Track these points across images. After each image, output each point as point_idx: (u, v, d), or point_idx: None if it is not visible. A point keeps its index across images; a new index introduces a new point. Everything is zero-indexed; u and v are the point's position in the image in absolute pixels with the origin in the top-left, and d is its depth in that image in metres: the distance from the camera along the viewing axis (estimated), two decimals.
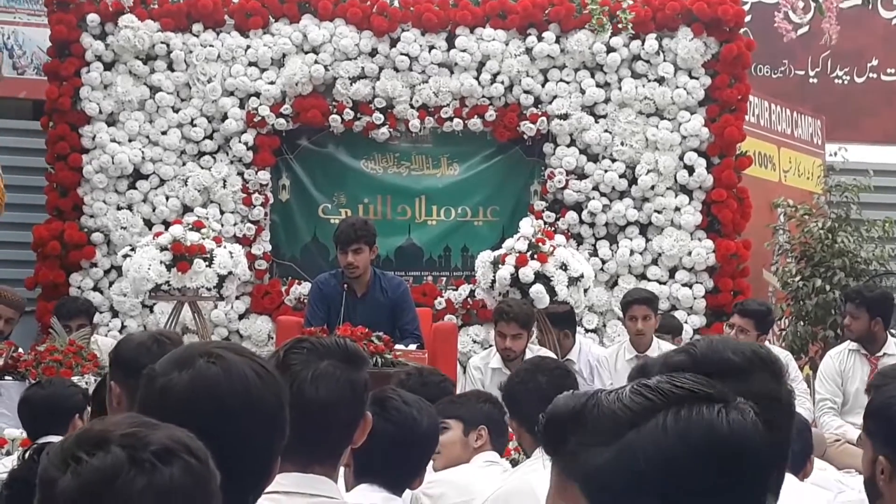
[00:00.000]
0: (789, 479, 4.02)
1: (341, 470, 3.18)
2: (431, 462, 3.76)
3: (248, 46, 9.42)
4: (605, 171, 9.49)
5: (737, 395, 1.65)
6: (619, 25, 9.47)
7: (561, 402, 1.53)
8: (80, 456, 1.49)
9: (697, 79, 9.54)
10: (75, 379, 6.24)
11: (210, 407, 2.09)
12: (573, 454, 1.48)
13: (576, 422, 1.49)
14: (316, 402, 2.58)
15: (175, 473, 1.49)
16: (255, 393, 2.14)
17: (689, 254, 9.43)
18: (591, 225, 9.54)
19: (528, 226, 8.27)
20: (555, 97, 9.49)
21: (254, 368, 2.17)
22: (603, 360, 8.03)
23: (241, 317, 9.40)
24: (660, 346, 7.93)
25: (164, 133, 9.37)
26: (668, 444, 1.42)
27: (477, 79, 9.45)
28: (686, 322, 9.31)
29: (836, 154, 11.63)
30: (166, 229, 8.23)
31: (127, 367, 3.55)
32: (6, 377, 6.87)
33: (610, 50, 9.50)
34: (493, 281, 8.01)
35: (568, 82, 9.54)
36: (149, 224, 9.26)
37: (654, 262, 9.52)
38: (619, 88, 9.52)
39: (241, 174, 9.40)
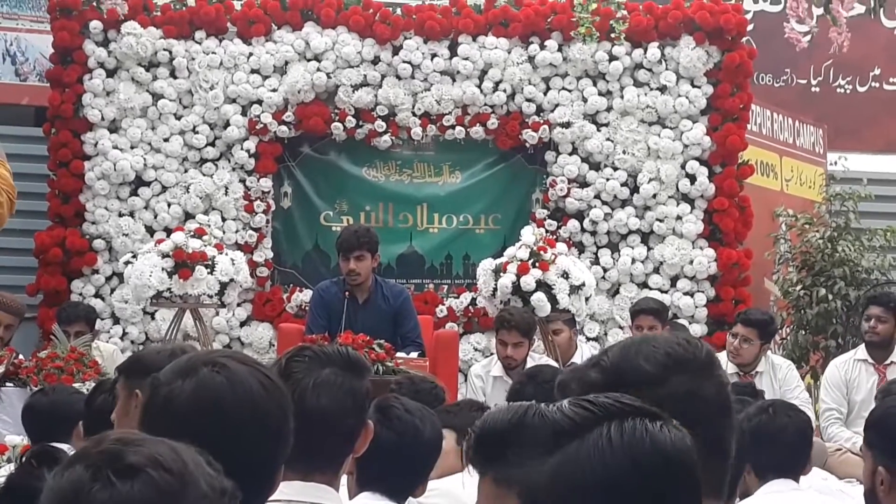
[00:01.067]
0: (789, 484, 4.03)
1: (344, 478, 3.19)
2: None
3: (251, 54, 9.43)
4: (607, 179, 9.49)
5: (652, 402, 1.65)
6: (613, 35, 9.47)
7: (496, 415, 1.52)
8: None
9: (699, 87, 9.54)
10: (77, 385, 6.23)
11: (214, 418, 2.10)
12: (513, 464, 1.47)
13: (516, 432, 1.48)
14: (317, 410, 2.58)
15: (136, 488, 1.50)
16: (260, 405, 2.14)
17: (691, 262, 9.43)
18: (593, 233, 9.54)
19: (529, 234, 8.27)
20: (557, 105, 9.50)
21: (259, 379, 2.17)
22: None
23: (242, 324, 9.41)
24: None
25: (166, 140, 9.38)
26: (613, 455, 1.42)
27: (479, 87, 9.46)
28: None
29: (836, 163, 11.63)
30: (168, 236, 8.23)
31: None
32: (7, 384, 6.88)
33: (612, 58, 9.50)
34: (495, 289, 8.00)
35: (570, 90, 9.54)
36: (150, 231, 9.27)
37: (656, 270, 9.52)
38: (621, 97, 9.52)
39: (242, 181, 9.41)
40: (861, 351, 7.75)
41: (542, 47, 9.48)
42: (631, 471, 1.42)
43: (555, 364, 7.43)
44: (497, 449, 1.49)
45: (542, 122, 9.47)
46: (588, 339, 9.24)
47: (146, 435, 1.59)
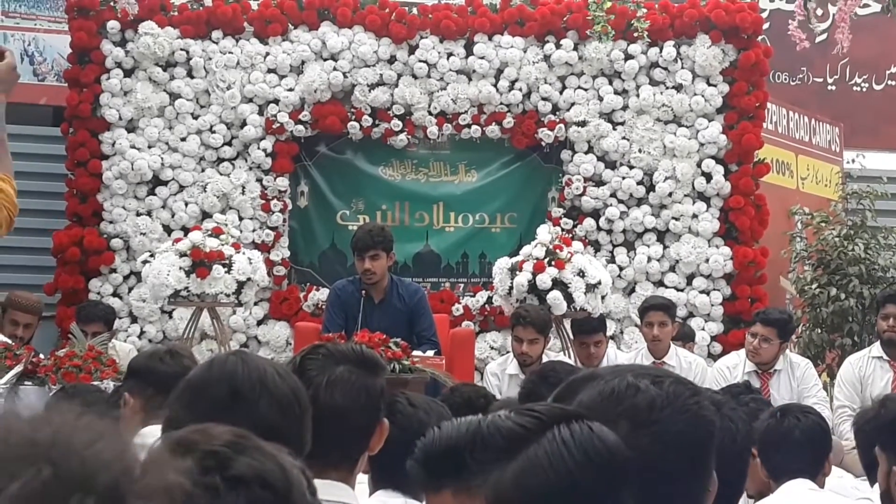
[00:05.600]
0: (807, 485, 4.02)
1: (366, 477, 3.20)
2: None
3: (268, 53, 9.46)
4: (623, 177, 9.50)
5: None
6: (635, 34, 9.49)
7: (450, 431, 1.58)
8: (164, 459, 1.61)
9: (715, 86, 9.55)
10: (95, 384, 6.26)
11: (225, 390, 2.24)
12: (475, 473, 1.54)
13: (474, 442, 1.55)
14: (331, 406, 2.61)
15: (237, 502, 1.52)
16: (269, 380, 2.27)
17: (707, 261, 9.43)
18: (609, 232, 9.55)
19: (545, 232, 8.28)
20: (573, 104, 9.51)
21: (273, 366, 2.32)
22: None
23: (259, 323, 9.43)
24: (677, 353, 7.97)
25: (183, 139, 9.42)
26: (570, 454, 1.51)
27: (495, 86, 9.47)
28: (703, 329, 9.32)
29: (853, 161, 11.60)
30: (185, 235, 8.26)
31: (141, 376, 3.64)
32: (25, 382, 6.91)
33: (628, 57, 9.51)
34: (511, 287, 8.01)
35: (586, 89, 9.55)
36: (168, 230, 9.31)
37: (672, 269, 9.53)
38: (637, 95, 9.53)
39: (259, 181, 9.44)
40: (876, 348, 7.73)
41: (558, 46, 9.50)
42: (587, 467, 1.51)
43: (569, 362, 7.45)
44: (455, 461, 1.55)
45: (557, 120, 9.48)
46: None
47: (257, 440, 1.60)
